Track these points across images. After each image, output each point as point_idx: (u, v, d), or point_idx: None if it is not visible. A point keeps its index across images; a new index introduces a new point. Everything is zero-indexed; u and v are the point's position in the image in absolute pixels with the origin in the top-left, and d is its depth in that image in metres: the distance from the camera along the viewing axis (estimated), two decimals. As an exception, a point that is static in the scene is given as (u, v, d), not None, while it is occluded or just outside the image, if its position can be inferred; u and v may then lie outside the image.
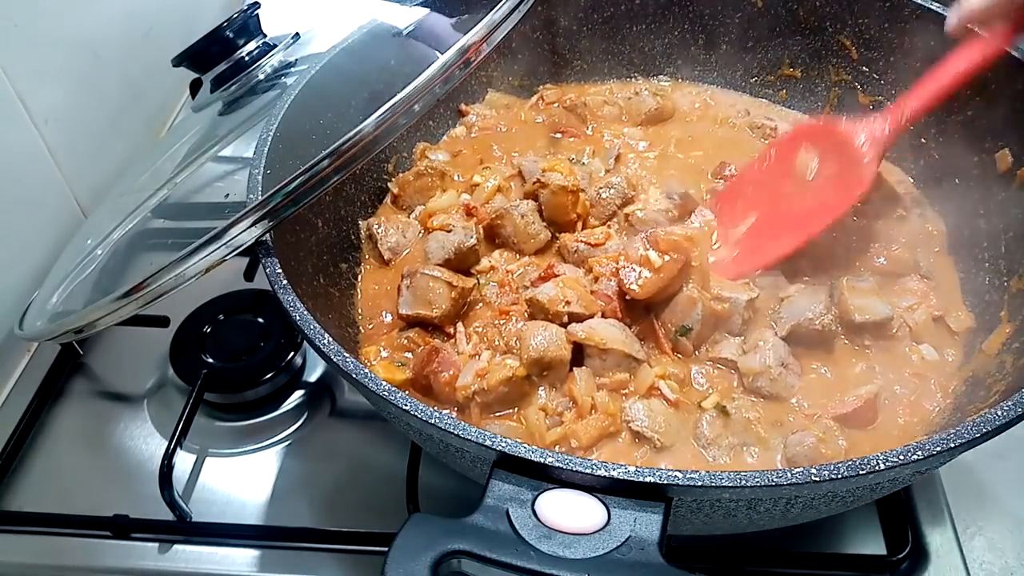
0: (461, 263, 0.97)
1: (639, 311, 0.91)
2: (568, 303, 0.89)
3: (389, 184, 1.11)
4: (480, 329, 0.93)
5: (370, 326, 0.97)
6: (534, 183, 1.02)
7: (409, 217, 1.08)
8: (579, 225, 1.02)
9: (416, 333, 0.93)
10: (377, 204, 1.10)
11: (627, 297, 0.90)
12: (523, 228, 1.00)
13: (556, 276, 0.93)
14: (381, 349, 0.93)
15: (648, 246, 0.90)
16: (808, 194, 0.98)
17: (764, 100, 1.23)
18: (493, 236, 1.02)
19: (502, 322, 0.93)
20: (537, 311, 0.90)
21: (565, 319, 0.88)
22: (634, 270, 0.89)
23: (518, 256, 1.01)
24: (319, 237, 0.98)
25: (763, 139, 1.17)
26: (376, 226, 1.04)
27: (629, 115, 1.20)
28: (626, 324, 0.90)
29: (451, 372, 0.86)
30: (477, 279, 0.98)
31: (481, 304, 0.96)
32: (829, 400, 0.87)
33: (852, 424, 0.84)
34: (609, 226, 1.02)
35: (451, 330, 0.93)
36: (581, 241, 0.98)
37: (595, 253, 0.97)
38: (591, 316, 0.89)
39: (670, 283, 0.89)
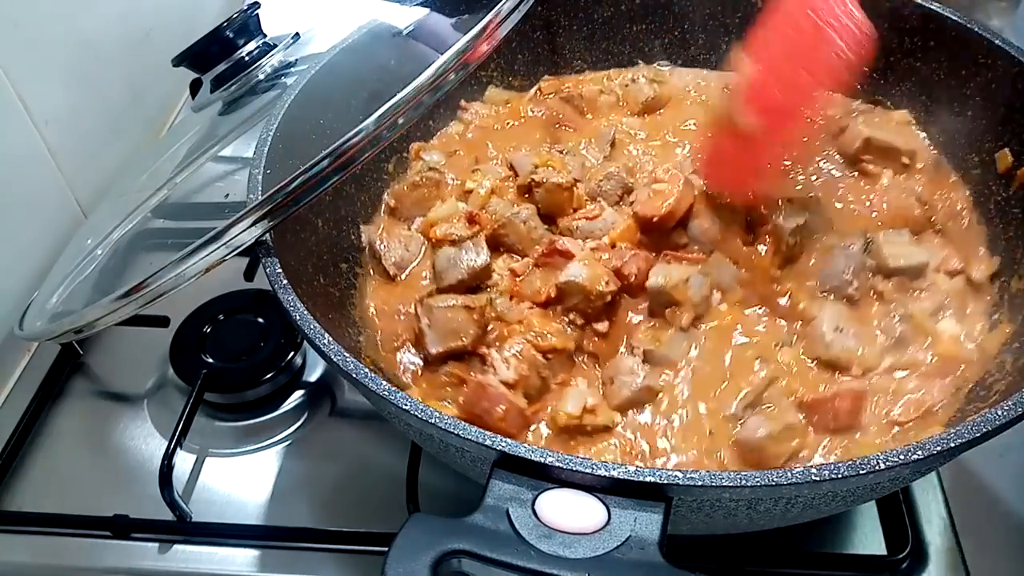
0: (473, 281, 0.95)
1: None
2: (607, 282, 0.89)
3: (385, 196, 1.10)
4: (519, 352, 0.88)
5: (406, 377, 0.92)
6: (528, 182, 1.01)
7: (410, 229, 1.05)
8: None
9: (453, 366, 0.89)
10: (377, 204, 1.10)
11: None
12: (526, 234, 0.98)
13: (567, 254, 0.92)
14: (423, 395, 0.89)
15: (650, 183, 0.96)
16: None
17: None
18: (496, 243, 1.00)
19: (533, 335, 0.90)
20: (574, 295, 0.89)
21: (609, 297, 0.89)
22: (649, 197, 0.94)
23: (516, 258, 0.99)
24: (319, 237, 0.98)
25: None
26: (378, 242, 1.01)
27: (627, 103, 1.19)
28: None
29: (502, 407, 0.82)
30: (489, 298, 0.93)
31: (497, 322, 0.92)
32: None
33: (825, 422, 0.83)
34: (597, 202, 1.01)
35: (483, 351, 0.89)
36: (581, 219, 0.98)
37: (595, 226, 0.97)
38: (626, 285, 0.91)
39: (683, 198, 0.94)
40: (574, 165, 1.05)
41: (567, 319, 0.90)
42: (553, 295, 0.91)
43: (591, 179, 1.03)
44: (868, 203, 1.01)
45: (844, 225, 0.98)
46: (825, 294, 0.92)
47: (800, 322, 0.90)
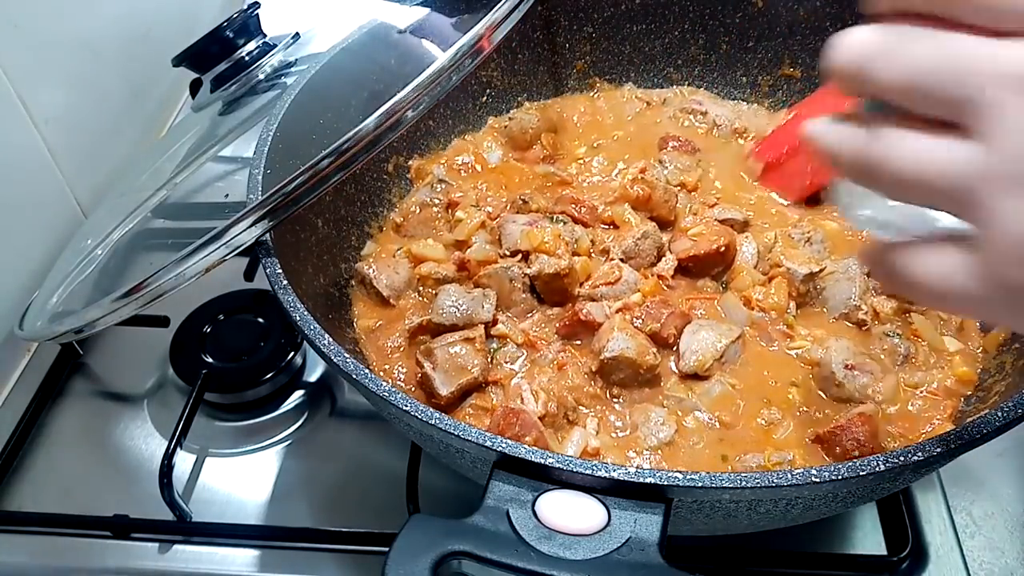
0: (467, 326, 0.91)
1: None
2: (655, 353, 0.87)
3: (392, 214, 1.09)
4: (545, 385, 0.87)
5: None
6: (516, 250, 0.96)
7: (396, 254, 1.03)
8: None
9: (474, 399, 0.88)
10: (376, 204, 1.10)
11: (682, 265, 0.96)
12: (508, 294, 0.94)
13: (592, 325, 0.90)
14: None
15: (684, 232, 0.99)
16: None
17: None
18: (475, 286, 0.97)
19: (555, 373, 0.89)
20: (623, 368, 0.86)
21: (658, 368, 0.88)
22: (689, 242, 0.97)
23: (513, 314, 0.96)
24: (319, 237, 0.98)
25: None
26: (368, 268, 0.99)
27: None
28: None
29: (533, 435, 0.80)
30: (491, 352, 0.91)
31: (499, 367, 0.91)
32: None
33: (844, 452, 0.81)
34: (610, 259, 0.98)
35: (493, 376, 0.89)
36: (602, 285, 0.94)
37: (619, 289, 0.93)
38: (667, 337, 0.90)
39: (730, 237, 0.97)
40: (568, 234, 0.97)
41: (611, 391, 0.88)
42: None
43: (626, 237, 0.98)
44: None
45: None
46: (835, 321, 0.93)
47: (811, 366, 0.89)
